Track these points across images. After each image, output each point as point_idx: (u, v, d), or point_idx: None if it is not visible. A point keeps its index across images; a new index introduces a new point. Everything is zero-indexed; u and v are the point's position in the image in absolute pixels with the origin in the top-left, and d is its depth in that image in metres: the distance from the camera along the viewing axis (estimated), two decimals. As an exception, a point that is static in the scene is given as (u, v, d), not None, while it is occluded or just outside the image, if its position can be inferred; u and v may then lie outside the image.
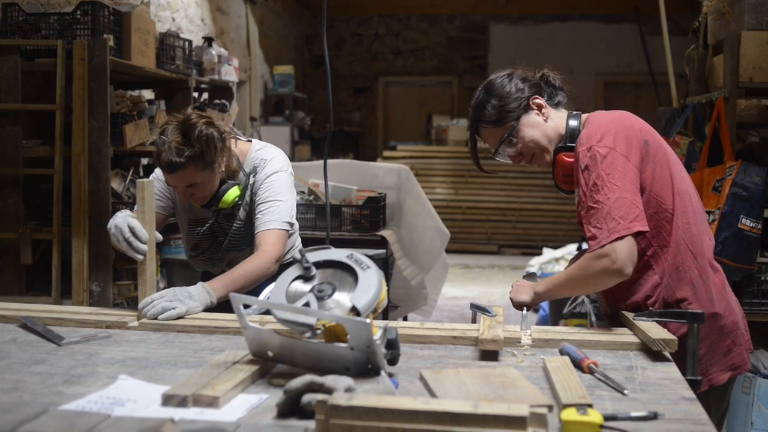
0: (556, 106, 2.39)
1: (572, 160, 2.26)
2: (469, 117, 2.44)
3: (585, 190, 2.15)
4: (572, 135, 2.30)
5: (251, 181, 2.76)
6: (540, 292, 2.31)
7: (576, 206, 2.27)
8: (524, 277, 2.53)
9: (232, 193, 2.71)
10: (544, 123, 2.34)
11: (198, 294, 2.36)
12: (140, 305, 2.28)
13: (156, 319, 2.22)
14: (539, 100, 2.35)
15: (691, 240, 2.22)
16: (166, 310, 2.24)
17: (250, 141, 2.85)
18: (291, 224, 2.73)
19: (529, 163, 2.40)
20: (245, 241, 2.80)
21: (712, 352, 2.22)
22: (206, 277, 2.77)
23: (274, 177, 2.73)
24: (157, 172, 2.81)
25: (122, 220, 2.38)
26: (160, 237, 2.47)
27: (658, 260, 2.20)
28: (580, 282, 2.19)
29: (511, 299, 2.38)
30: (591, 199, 2.12)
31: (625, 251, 2.06)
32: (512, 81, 2.37)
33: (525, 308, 2.31)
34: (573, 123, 2.33)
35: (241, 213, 2.77)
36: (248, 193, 2.76)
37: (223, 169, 2.68)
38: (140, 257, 2.37)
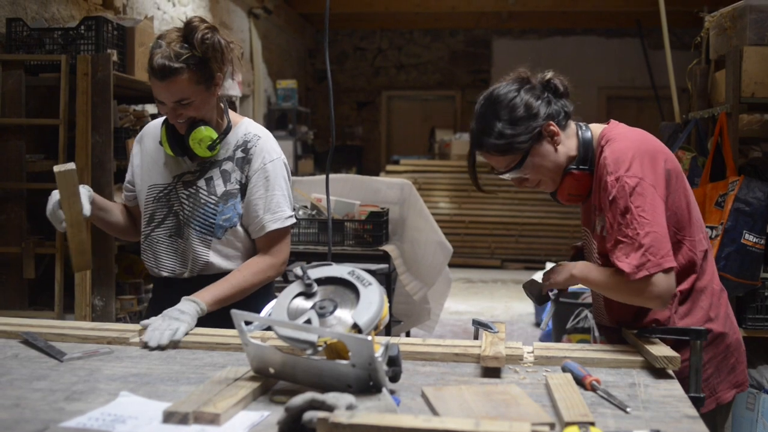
0: (566, 124, 2.22)
1: (585, 180, 2.20)
2: (472, 136, 2.25)
3: (612, 222, 2.07)
4: (585, 153, 2.20)
5: (239, 155, 2.53)
6: (576, 275, 2.24)
7: (592, 229, 2.24)
8: (526, 285, 2.48)
9: (203, 131, 2.44)
10: (554, 151, 2.19)
11: (188, 307, 2.31)
12: (145, 337, 2.18)
13: (166, 345, 2.15)
14: (553, 128, 2.17)
15: (702, 265, 2.21)
16: (174, 331, 2.18)
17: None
18: (293, 217, 2.59)
19: (534, 188, 2.30)
20: (208, 221, 2.51)
21: (719, 371, 2.21)
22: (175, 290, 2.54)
23: (275, 164, 2.55)
24: (134, 148, 2.67)
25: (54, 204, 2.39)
26: (87, 210, 2.41)
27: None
28: (615, 295, 2.16)
29: (549, 282, 2.31)
30: (620, 233, 2.05)
31: (664, 285, 2.02)
32: (523, 101, 2.15)
33: (553, 293, 2.34)
34: (585, 138, 2.22)
35: (203, 182, 2.52)
36: (232, 167, 2.52)
37: (215, 109, 2.50)
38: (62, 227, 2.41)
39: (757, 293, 3.58)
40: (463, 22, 12.67)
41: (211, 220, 2.51)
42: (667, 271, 2.03)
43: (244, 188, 2.53)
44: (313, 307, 1.78)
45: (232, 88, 6.55)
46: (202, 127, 2.44)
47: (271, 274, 2.54)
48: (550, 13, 11.80)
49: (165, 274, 2.57)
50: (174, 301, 2.39)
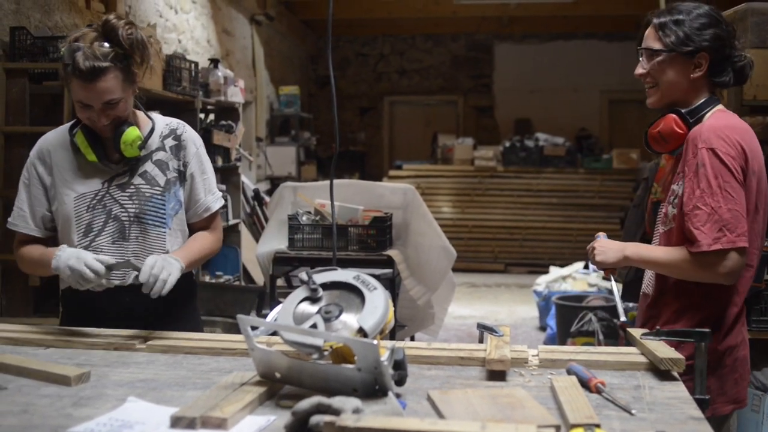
0: (713, 82, 2.30)
1: (680, 130, 2.24)
2: (659, 9, 2.36)
3: (695, 188, 2.12)
4: (698, 111, 2.26)
5: (170, 143, 2.55)
6: (631, 257, 2.28)
7: (636, 198, 2.26)
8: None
9: (133, 132, 2.40)
10: (685, 77, 2.27)
11: (176, 261, 2.33)
12: (145, 282, 2.21)
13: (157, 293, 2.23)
14: (703, 62, 2.25)
15: (747, 279, 2.23)
16: (164, 282, 2.23)
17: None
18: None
19: (646, 84, 2.37)
20: (160, 213, 2.50)
21: (722, 383, 2.22)
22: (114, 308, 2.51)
23: (203, 149, 2.63)
24: (37, 170, 2.51)
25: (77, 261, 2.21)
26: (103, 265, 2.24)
27: (712, 293, 2.21)
28: (680, 271, 2.19)
29: (597, 262, 2.34)
30: (701, 201, 2.10)
31: (735, 262, 2.09)
32: (711, 26, 2.25)
33: (612, 277, 2.35)
34: (707, 103, 2.27)
35: (138, 179, 2.48)
36: (167, 156, 2.53)
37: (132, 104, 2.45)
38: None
39: (762, 295, 3.57)
40: (464, 27, 12.69)
41: (162, 212, 2.50)
42: (740, 250, 2.08)
43: (182, 174, 2.57)
44: (318, 312, 1.79)
45: (235, 94, 6.57)
46: (130, 128, 2.41)
47: (218, 247, 2.67)
48: (551, 18, 11.82)
49: (116, 282, 2.48)
50: (120, 313, 2.47)
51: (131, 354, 2.18)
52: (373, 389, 1.63)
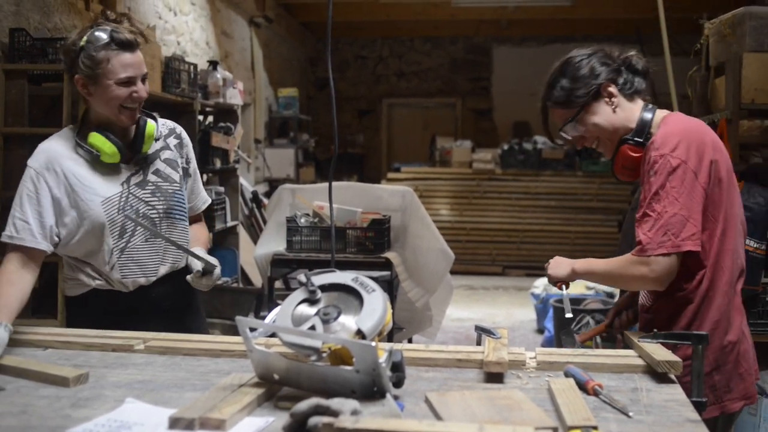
0: (631, 95, 2.35)
1: (637, 154, 2.28)
2: (542, 91, 2.44)
3: (647, 194, 2.16)
4: (642, 128, 2.29)
5: (173, 142, 2.65)
6: (578, 271, 2.37)
7: (634, 201, 2.32)
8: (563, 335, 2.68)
9: (152, 126, 2.51)
10: (612, 113, 2.33)
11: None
12: (212, 277, 2.48)
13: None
14: (611, 88, 2.32)
15: (728, 266, 2.23)
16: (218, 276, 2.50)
17: None
18: None
19: (595, 149, 2.42)
20: (182, 207, 2.61)
21: (729, 379, 2.22)
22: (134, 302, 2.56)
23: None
24: (47, 181, 2.46)
25: None
26: None
27: (706, 293, 2.22)
28: (616, 278, 2.28)
29: (548, 275, 2.44)
30: (649, 206, 2.14)
31: (665, 266, 2.11)
32: (590, 63, 2.35)
33: (564, 286, 2.44)
34: (646, 116, 2.31)
35: (153, 177, 2.54)
36: (174, 154, 2.63)
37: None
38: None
39: (759, 298, 3.58)
40: (463, 30, 12.70)
41: (184, 206, 2.63)
42: (680, 254, 2.11)
43: (186, 171, 2.69)
44: (317, 314, 1.79)
45: (234, 96, 6.58)
46: (148, 122, 2.51)
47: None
48: (549, 21, 11.83)
49: (153, 278, 2.55)
50: (149, 308, 2.56)
51: (129, 355, 2.18)
52: (371, 391, 1.64)
